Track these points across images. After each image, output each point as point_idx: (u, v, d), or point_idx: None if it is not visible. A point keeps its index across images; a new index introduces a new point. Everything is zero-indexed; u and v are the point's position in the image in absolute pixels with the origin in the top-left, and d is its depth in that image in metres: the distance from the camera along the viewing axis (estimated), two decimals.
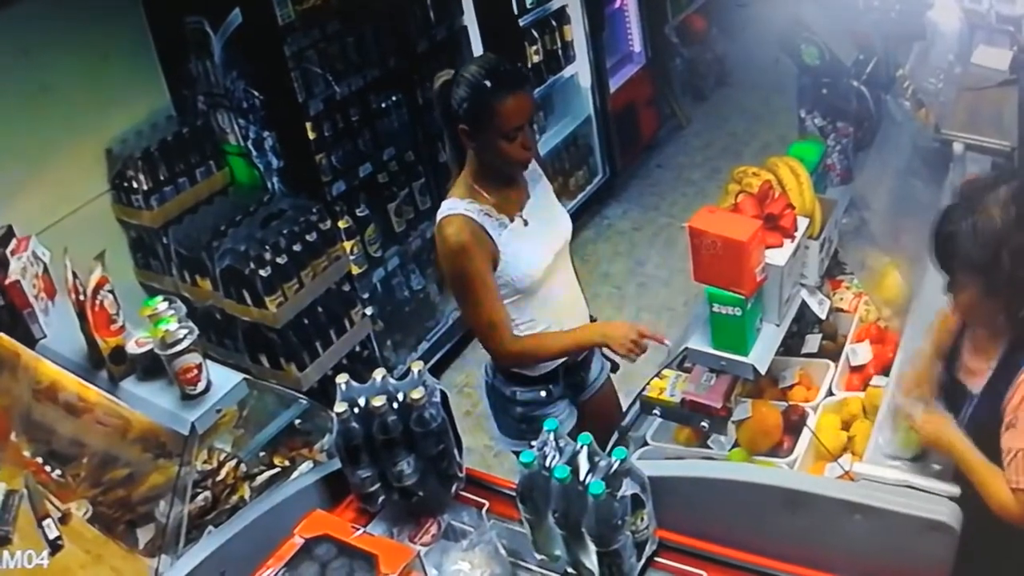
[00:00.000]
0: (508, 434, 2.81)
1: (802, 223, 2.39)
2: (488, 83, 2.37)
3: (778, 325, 2.40)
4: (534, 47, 5.13)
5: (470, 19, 4.56)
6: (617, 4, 6.04)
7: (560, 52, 5.31)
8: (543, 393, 2.68)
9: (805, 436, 2.51)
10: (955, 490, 1.96)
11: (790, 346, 2.85)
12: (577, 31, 5.39)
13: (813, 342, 2.88)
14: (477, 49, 4.59)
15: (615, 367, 2.88)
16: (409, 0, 4.22)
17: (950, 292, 2.04)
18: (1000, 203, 1.91)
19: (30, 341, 2.46)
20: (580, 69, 5.52)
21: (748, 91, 6.77)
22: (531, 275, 2.51)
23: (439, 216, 2.48)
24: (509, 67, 2.47)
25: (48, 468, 2.29)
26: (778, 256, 2.31)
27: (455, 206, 2.46)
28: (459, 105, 2.39)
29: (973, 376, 2.12)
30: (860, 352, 2.71)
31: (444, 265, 2.52)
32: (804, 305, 2.53)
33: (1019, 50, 3.08)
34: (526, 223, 2.53)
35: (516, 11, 4.95)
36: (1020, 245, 1.89)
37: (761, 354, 2.32)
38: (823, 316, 2.63)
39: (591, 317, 2.79)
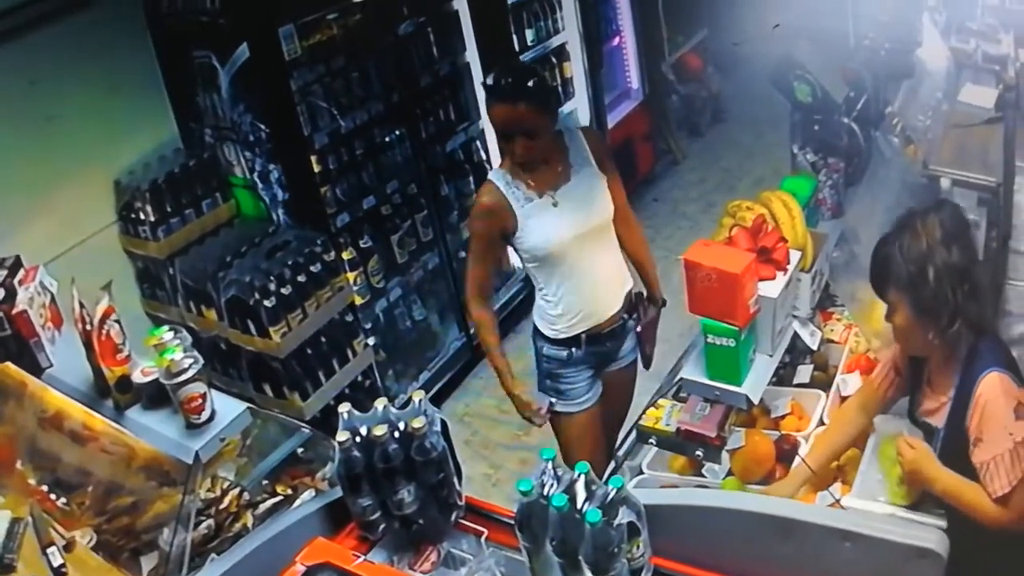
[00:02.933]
0: (540, 388, 3.11)
1: (794, 256, 2.44)
2: (490, 88, 2.73)
3: (771, 356, 2.43)
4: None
5: (472, 55, 4.65)
6: (615, 42, 6.15)
7: (560, 88, 5.40)
8: (564, 354, 3.00)
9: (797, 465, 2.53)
10: (942, 521, 1.99)
11: (782, 376, 2.89)
12: (576, 68, 5.48)
13: (805, 372, 2.92)
14: (479, 85, 4.66)
15: (648, 363, 3.18)
16: (413, 36, 4.31)
17: (887, 319, 2.19)
18: (927, 226, 2.09)
19: (37, 370, 2.46)
20: (579, 105, 5.61)
21: (742, 127, 6.89)
22: (545, 247, 2.83)
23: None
24: (511, 78, 2.72)
25: (53, 496, 2.30)
26: (771, 288, 2.35)
27: (493, 175, 2.86)
28: (495, 87, 2.72)
29: (934, 414, 2.22)
30: (850, 382, 2.74)
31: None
32: (796, 336, 2.57)
33: (1005, 88, 3.15)
34: (556, 203, 2.83)
35: (517, 47, 5.03)
36: (944, 262, 2.05)
37: (754, 384, 2.35)
38: (815, 347, 2.66)
39: (635, 296, 3.11)
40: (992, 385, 2.04)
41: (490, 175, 2.87)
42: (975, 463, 2.04)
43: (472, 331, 4.72)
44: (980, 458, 2.03)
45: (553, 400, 3.07)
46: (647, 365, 3.19)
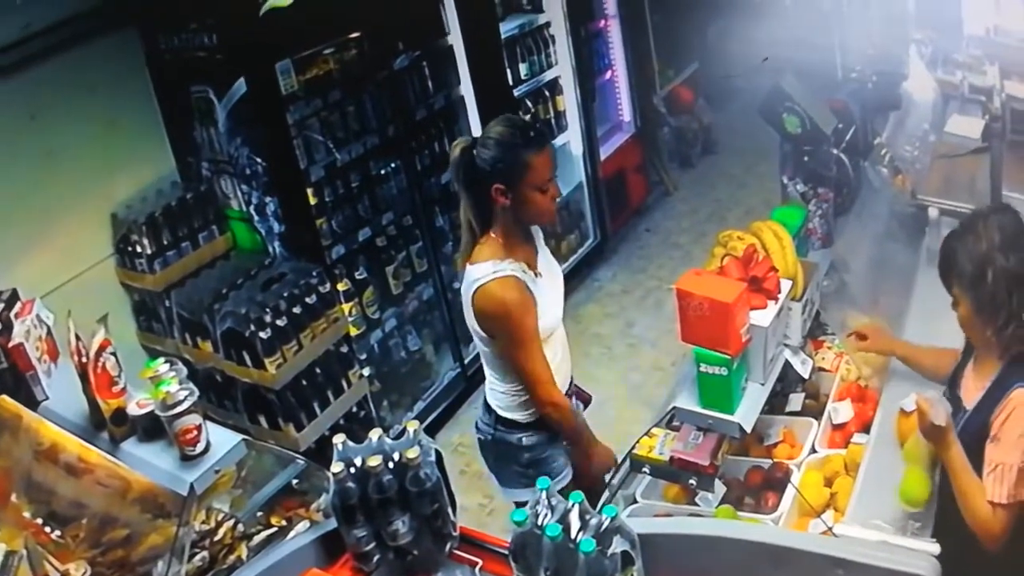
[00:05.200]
0: (514, 485, 2.89)
1: (785, 285, 2.46)
2: (521, 140, 2.52)
3: (763, 384, 2.45)
4: (528, 116, 5.27)
5: (467, 89, 4.70)
6: (608, 75, 6.24)
7: (553, 121, 5.47)
8: (546, 433, 2.81)
9: (789, 493, 2.55)
10: (935, 547, 2.00)
11: (774, 405, 2.89)
12: (569, 101, 5.55)
13: (796, 401, 2.94)
14: (473, 118, 4.73)
15: (587, 403, 3.05)
16: (408, 71, 4.36)
17: (952, 308, 2.24)
18: (987, 228, 2.14)
19: (33, 403, 2.47)
20: (572, 137, 5.67)
21: (733, 158, 6.97)
22: (554, 324, 2.72)
23: (482, 279, 2.55)
24: (535, 125, 2.73)
25: (48, 529, 2.29)
26: (762, 317, 2.37)
27: (500, 268, 2.56)
28: (493, 165, 2.52)
29: (969, 393, 2.27)
30: (842, 410, 2.76)
31: (497, 324, 2.60)
32: (787, 365, 2.59)
33: (991, 119, 3.19)
34: (541, 276, 2.70)
35: (511, 81, 5.10)
36: (1002, 267, 2.10)
37: (747, 413, 2.37)
38: (806, 375, 2.68)
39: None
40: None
41: (495, 272, 2.54)
42: (986, 459, 2.09)
43: (466, 361, 4.75)
44: (992, 456, 2.08)
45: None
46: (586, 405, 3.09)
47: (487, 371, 2.83)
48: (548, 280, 2.72)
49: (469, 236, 2.66)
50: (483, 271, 2.56)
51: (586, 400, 3.06)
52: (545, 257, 2.77)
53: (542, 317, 2.62)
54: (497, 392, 2.80)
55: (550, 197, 2.57)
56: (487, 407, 2.87)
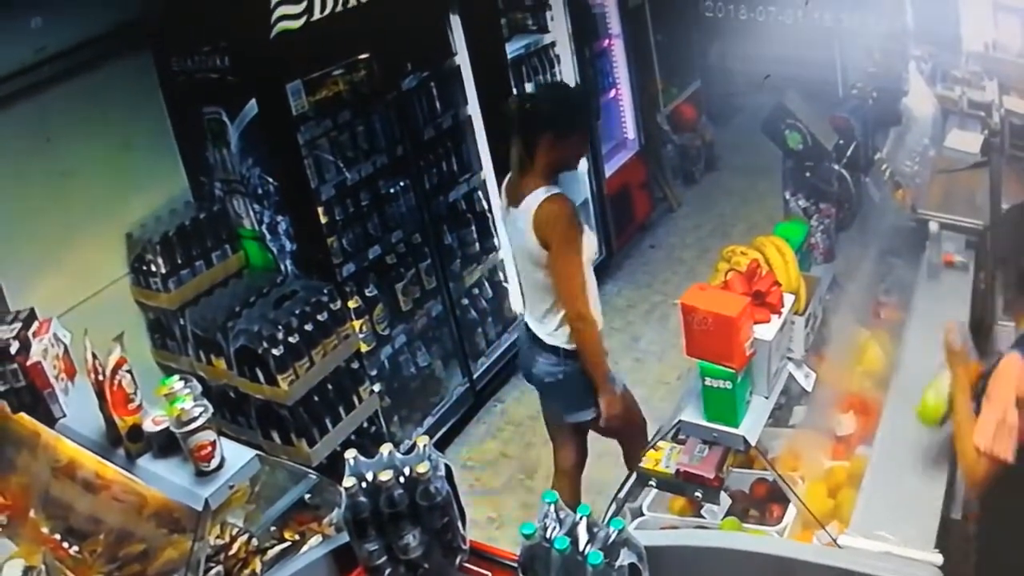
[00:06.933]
0: (580, 408, 3.28)
1: (788, 299, 2.49)
2: (580, 98, 3.31)
3: (767, 397, 2.47)
4: None
5: (474, 109, 4.76)
6: (612, 94, 6.29)
7: None
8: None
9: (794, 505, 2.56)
10: (938, 558, 2.03)
11: (778, 417, 2.92)
12: None
13: (800, 413, 2.96)
14: (481, 137, 4.78)
15: None
16: (416, 91, 4.42)
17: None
18: None
19: (50, 420, 2.50)
20: None
21: (736, 175, 7.02)
22: (593, 254, 3.16)
23: (540, 197, 3.02)
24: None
25: (66, 544, 2.33)
26: (766, 331, 2.40)
27: (552, 189, 3.05)
28: (555, 114, 3.05)
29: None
30: (845, 423, 2.79)
31: (557, 228, 3.01)
32: (791, 378, 2.61)
33: (990, 134, 3.23)
34: None
35: None
36: None
37: (751, 426, 2.39)
38: (809, 388, 2.69)
39: None
40: (1013, 360, 2.14)
41: (550, 191, 3.03)
42: (983, 402, 2.17)
43: (475, 377, 4.79)
44: (982, 410, 2.15)
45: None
46: None
47: (546, 319, 3.19)
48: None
49: (517, 173, 3.11)
50: (540, 194, 3.02)
51: None
52: None
53: (588, 241, 3.07)
54: (562, 331, 3.16)
55: (582, 153, 3.18)
56: (549, 352, 3.21)
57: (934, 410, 2.41)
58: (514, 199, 3.12)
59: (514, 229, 3.17)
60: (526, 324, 3.32)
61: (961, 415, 2.24)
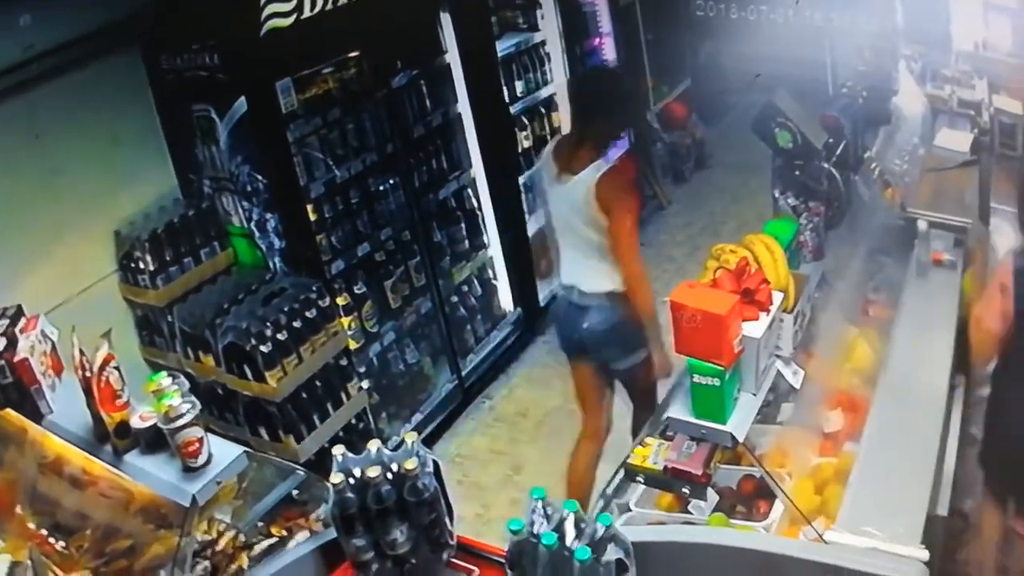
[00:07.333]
0: (634, 350, 3.54)
1: (777, 297, 2.49)
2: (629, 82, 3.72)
3: (755, 394, 2.47)
4: (524, 133, 5.37)
5: (464, 107, 4.77)
6: None
7: (549, 137, 5.50)
8: None
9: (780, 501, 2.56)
10: (923, 554, 2.04)
11: (766, 414, 2.92)
12: (565, 118, 5.55)
13: (788, 410, 2.96)
14: (471, 135, 4.79)
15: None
16: (406, 89, 4.42)
17: None
18: None
19: (37, 417, 2.49)
20: None
21: (726, 173, 7.05)
22: None
23: (601, 168, 3.38)
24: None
25: (52, 540, 2.34)
26: (754, 329, 2.40)
27: (609, 161, 3.50)
28: (612, 96, 3.49)
29: None
30: (833, 420, 2.80)
31: (620, 193, 3.38)
32: (779, 375, 2.61)
33: (979, 132, 3.25)
34: None
35: (508, 99, 5.17)
36: None
37: (739, 422, 2.39)
38: (797, 386, 2.70)
39: None
40: (1005, 264, 2.54)
41: (608, 162, 3.42)
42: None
43: (464, 373, 4.80)
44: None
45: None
46: None
47: (597, 272, 3.46)
48: None
49: (574, 146, 3.46)
50: (601, 164, 3.39)
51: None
52: None
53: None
54: (613, 277, 3.44)
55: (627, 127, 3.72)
56: (601, 301, 3.48)
57: None
58: (569, 168, 3.42)
59: (567, 195, 3.43)
60: (568, 291, 3.58)
61: (973, 298, 2.70)
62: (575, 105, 3.74)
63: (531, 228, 5.35)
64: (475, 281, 5.07)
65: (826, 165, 3.16)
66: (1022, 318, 2.52)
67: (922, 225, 3.18)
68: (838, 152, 3.23)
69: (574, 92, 3.80)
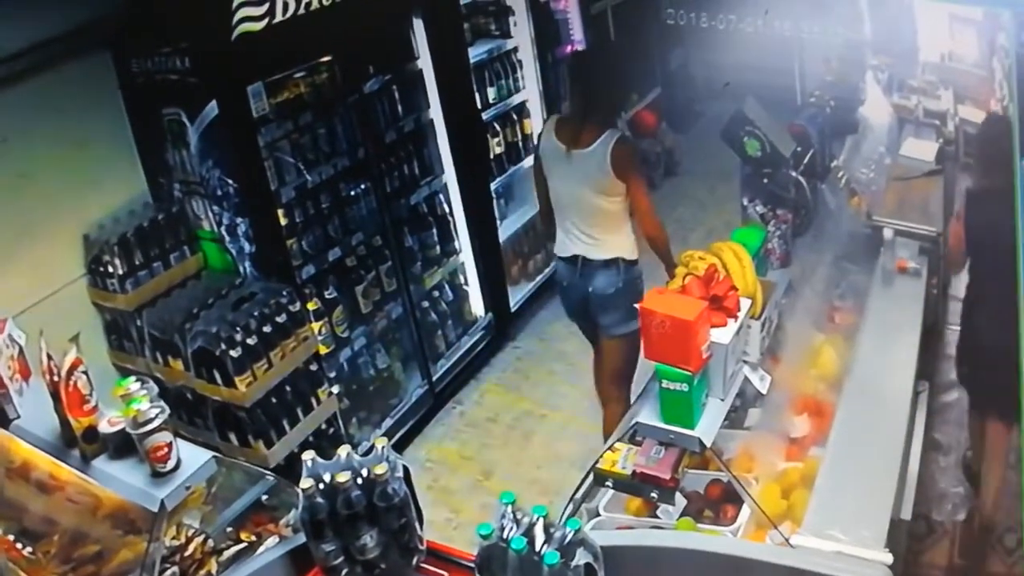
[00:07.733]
0: (627, 320, 3.66)
1: (745, 304, 2.54)
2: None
3: (723, 400, 2.51)
4: (496, 139, 5.38)
5: (436, 112, 4.77)
6: None
7: (520, 144, 5.55)
8: None
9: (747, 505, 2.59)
10: (887, 558, 2.07)
11: (733, 419, 2.96)
12: (537, 125, 5.60)
13: (755, 415, 3.00)
14: (442, 140, 4.79)
15: None
16: (378, 94, 4.42)
17: None
18: None
19: (4, 422, 2.48)
20: None
21: (695, 181, 7.09)
22: None
23: (615, 137, 3.55)
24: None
25: (19, 545, 2.32)
26: (723, 335, 2.44)
27: (622, 130, 3.72)
28: (618, 69, 3.84)
29: None
30: (799, 425, 2.83)
31: (634, 161, 3.68)
32: (746, 381, 2.65)
33: (944, 142, 3.31)
34: None
35: (480, 105, 5.17)
36: None
37: (707, 427, 2.42)
38: (764, 391, 2.73)
39: None
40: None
41: (621, 131, 3.65)
42: None
43: (434, 379, 4.81)
44: None
45: None
46: None
47: (607, 239, 3.70)
48: None
49: (580, 120, 3.62)
50: (614, 134, 3.55)
51: None
52: None
53: None
54: (622, 243, 3.72)
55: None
56: (609, 267, 3.73)
57: None
58: (577, 142, 3.59)
59: (579, 169, 3.60)
60: (572, 260, 3.79)
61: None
62: (577, 83, 3.86)
63: (502, 234, 5.37)
64: (446, 286, 5.06)
65: (794, 173, 3.21)
66: (970, 235, 2.90)
67: (888, 233, 3.24)
68: (806, 161, 3.28)
69: (575, 69, 4.02)
